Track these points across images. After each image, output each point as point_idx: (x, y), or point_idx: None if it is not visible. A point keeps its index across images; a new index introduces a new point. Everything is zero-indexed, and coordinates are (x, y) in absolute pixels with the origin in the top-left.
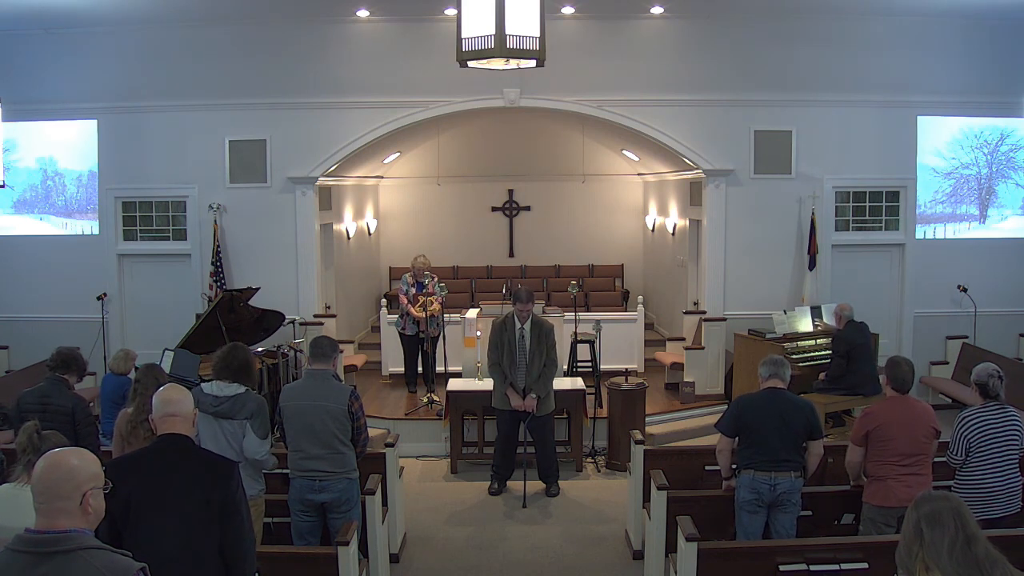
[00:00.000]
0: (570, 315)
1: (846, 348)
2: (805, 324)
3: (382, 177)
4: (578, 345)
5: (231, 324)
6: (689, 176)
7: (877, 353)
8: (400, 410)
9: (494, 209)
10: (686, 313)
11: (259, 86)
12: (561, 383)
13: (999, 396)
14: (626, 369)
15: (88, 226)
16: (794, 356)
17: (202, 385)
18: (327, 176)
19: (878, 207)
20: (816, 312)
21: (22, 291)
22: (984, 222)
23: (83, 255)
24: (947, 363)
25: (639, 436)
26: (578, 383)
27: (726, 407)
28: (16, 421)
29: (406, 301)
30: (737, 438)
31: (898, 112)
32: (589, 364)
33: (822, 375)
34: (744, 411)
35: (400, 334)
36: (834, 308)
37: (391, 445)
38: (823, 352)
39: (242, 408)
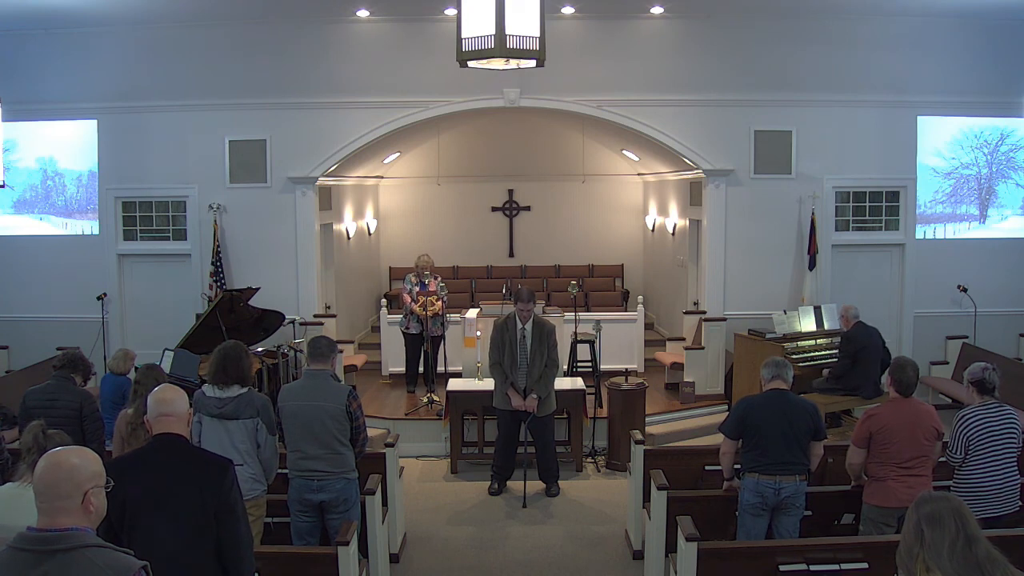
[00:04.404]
0: (570, 315)
1: (855, 349)
2: (806, 324)
3: (382, 177)
4: (578, 345)
5: (231, 324)
6: (689, 176)
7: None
8: (400, 410)
9: (494, 209)
10: (686, 313)
11: (259, 86)
12: (561, 383)
13: (996, 389)
14: (626, 369)
15: (88, 226)
16: (794, 356)
17: (204, 388)
18: (327, 176)
19: (878, 207)
20: (817, 312)
21: (22, 291)
22: (984, 222)
23: (83, 255)
24: (947, 363)
25: (639, 436)
26: (578, 383)
27: (726, 407)
28: (22, 419)
29: (409, 300)
30: (740, 440)
31: (898, 112)
32: (589, 364)
33: (826, 371)
34: (748, 413)
35: (404, 333)
36: (839, 310)
37: (391, 445)
38: (823, 352)
39: (247, 407)
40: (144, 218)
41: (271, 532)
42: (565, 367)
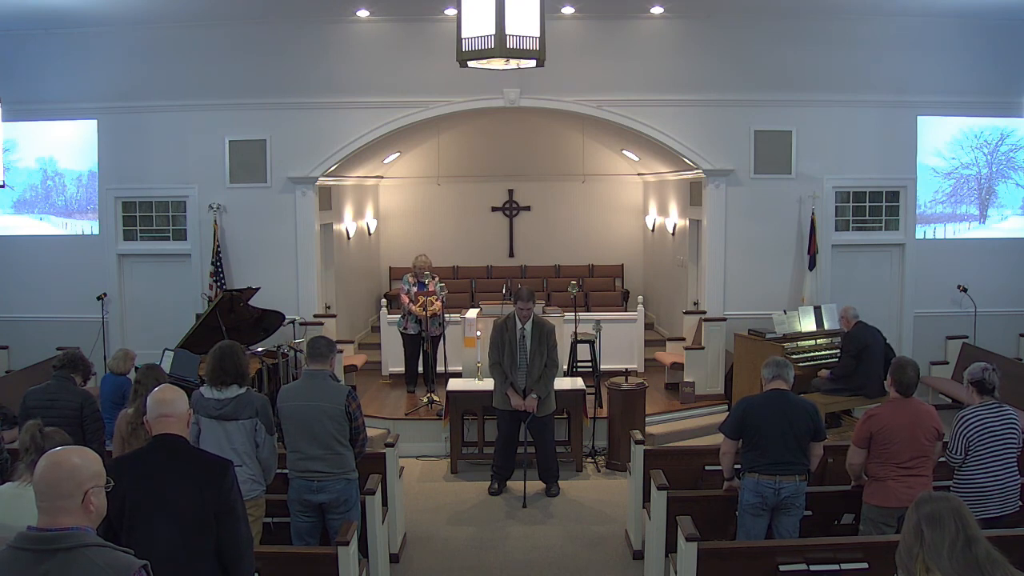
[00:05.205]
0: (570, 315)
1: (858, 348)
2: (806, 324)
3: (382, 177)
4: (578, 345)
5: (231, 324)
6: (689, 176)
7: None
8: (400, 410)
9: (494, 209)
10: (686, 313)
11: (259, 86)
12: (561, 383)
13: (995, 389)
14: (626, 369)
15: (88, 226)
16: (794, 356)
17: (202, 389)
18: (327, 176)
19: (878, 207)
20: (817, 312)
21: (22, 291)
22: (984, 222)
23: (83, 255)
24: (947, 363)
25: (639, 436)
26: (578, 383)
27: (726, 407)
28: (22, 419)
29: (407, 300)
30: (740, 440)
31: (898, 112)
32: (589, 364)
33: (823, 372)
34: (748, 413)
35: (402, 333)
36: (839, 312)
37: (391, 445)
38: (823, 352)
39: (245, 408)
40: (144, 218)
41: (271, 532)
42: (565, 367)
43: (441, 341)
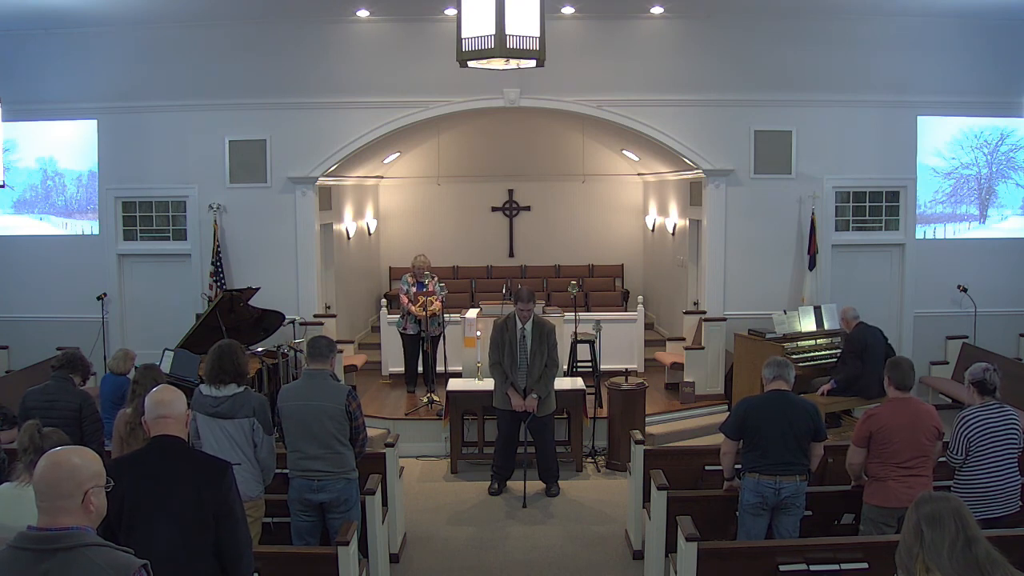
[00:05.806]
0: (570, 315)
1: (859, 349)
2: (806, 324)
3: (382, 177)
4: (578, 345)
5: (231, 324)
6: (689, 176)
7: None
8: (400, 410)
9: (494, 209)
10: (686, 313)
11: (259, 86)
12: (561, 383)
13: (996, 390)
14: (626, 369)
15: (88, 226)
16: (794, 356)
17: (201, 387)
18: (327, 176)
19: (878, 207)
20: (817, 312)
21: (22, 291)
22: (984, 222)
23: (83, 255)
24: (947, 363)
25: (639, 436)
26: (578, 383)
27: (726, 407)
28: (21, 420)
29: (407, 300)
30: (741, 440)
31: (898, 112)
32: (589, 364)
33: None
34: (749, 414)
35: (401, 334)
36: (839, 312)
37: (391, 445)
38: (823, 352)
39: (243, 406)
40: (144, 218)
41: (270, 532)
42: (565, 367)
43: (441, 341)
